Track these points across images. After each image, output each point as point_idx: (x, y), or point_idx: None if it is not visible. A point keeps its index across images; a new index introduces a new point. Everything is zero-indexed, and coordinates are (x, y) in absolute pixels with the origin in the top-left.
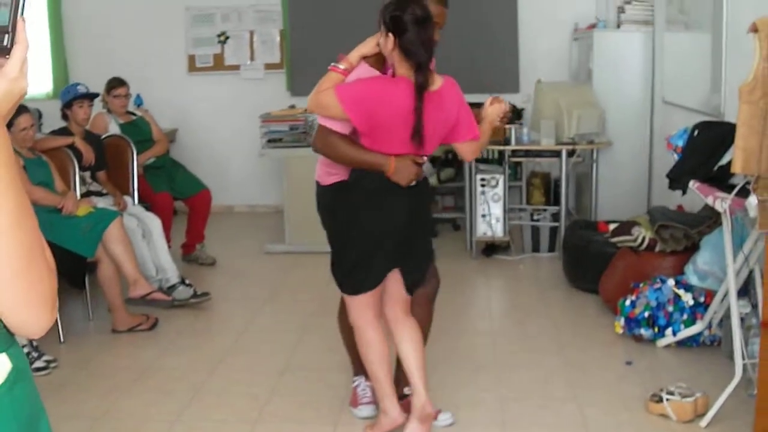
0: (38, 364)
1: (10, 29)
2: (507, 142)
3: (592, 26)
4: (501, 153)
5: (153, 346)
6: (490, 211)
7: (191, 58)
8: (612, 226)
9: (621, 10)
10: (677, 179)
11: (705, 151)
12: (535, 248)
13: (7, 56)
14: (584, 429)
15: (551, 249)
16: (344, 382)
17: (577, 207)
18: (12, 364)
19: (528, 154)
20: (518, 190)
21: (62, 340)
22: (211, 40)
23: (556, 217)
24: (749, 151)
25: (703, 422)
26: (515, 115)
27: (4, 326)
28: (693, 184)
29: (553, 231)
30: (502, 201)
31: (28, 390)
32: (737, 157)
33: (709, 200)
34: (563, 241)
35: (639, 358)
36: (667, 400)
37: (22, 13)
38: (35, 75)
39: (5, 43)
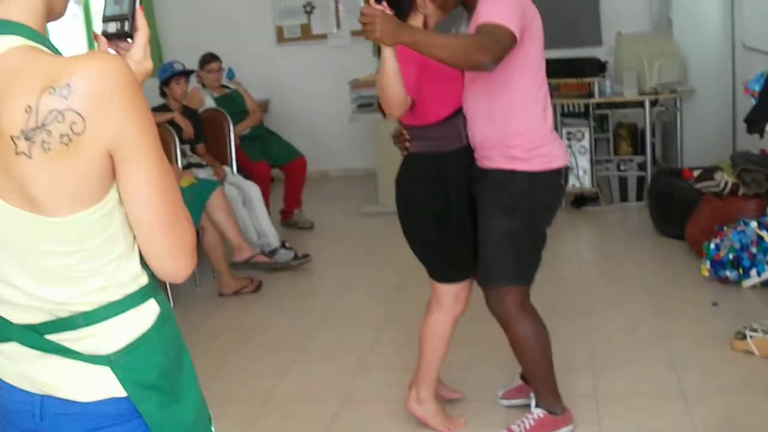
0: None
1: (130, 16)
2: (591, 95)
3: None
4: (586, 106)
5: (258, 307)
6: (578, 163)
7: (279, 30)
8: (696, 173)
9: None
10: (754, 123)
11: None
12: (623, 198)
13: (130, 39)
14: (671, 367)
15: (639, 198)
16: None
17: (664, 155)
18: (160, 308)
19: (612, 105)
20: (605, 141)
21: (172, 305)
22: (297, 11)
23: (642, 166)
24: None
25: None
26: (598, 68)
27: (152, 275)
28: None
29: (641, 180)
30: (589, 153)
31: (173, 329)
32: None
33: None
34: (649, 189)
35: (725, 299)
36: (751, 336)
37: (141, 2)
38: None
39: (126, 28)
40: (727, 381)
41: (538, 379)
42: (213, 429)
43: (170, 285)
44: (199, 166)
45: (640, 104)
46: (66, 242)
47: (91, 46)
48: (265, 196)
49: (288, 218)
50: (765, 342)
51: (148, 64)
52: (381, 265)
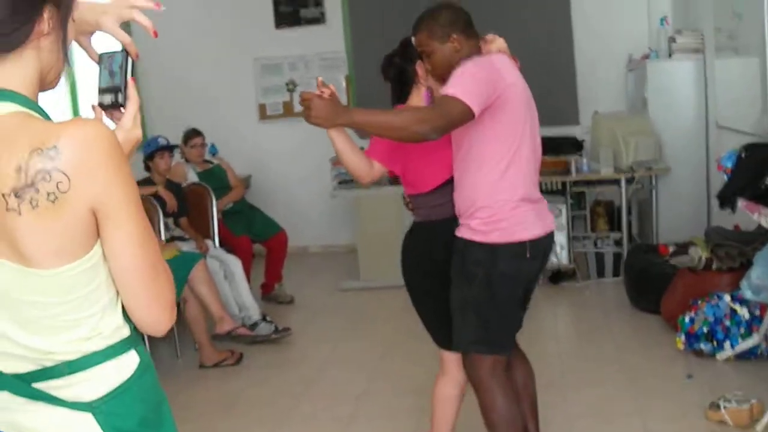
0: None
1: (123, 88)
2: (568, 173)
3: (646, 57)
4: (563, 183)
5: (239, 378)
6: (555, 240)
7: (262, 107)
8: (671, 248)
9: (672, 39)
10: (727, 198)
11: (752, 171)
12: (600, 274)
13: (122, 110)
14: None
15: (615, 274)
16: (422, 405)
17: (640, 232)
18: (140, 359)
19: (589, 183)
20: (583, 218)
21: None
22: (280, 89)
23: (619, 243)
24: None
25: (759, 427)
26: (575, 146)
27: (134, 327)
28: (741, 203)
29: (617, 256)
30: (566, 230)
31: (153, 380)
32: None
33: (755, 216)
34: (625, 265)
35: (699, 371)
36: (725, 407)
37: (132, 74)
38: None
39: (119, 99)
40: None
41: None
42: None
43: (152, 354)
44: (182, 239)
45: (617, 182)
46: (52, 293)
47: (75, 113)
48: (247, 270)
49: (269, 292)
50: (738, 412)
51: (138, 132)
52: (361, 339)
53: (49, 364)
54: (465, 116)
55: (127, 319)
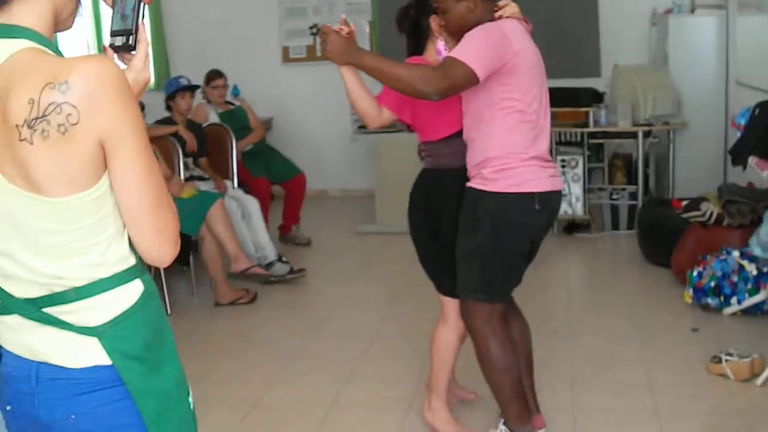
0: None
1: (134, 31)
2: (586, 125)
3: (669, 11)
4: (581, 135)
5: (253, 317)
6: (571, 190)
7: (285, 50)
8: (684, 203)
9: None
10: (738, 155)
11: (764, 128)
12: (615, 226)
13: (133, 52)
14: (648, 389)
15: (630, 227)
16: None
17: (657, 186)
18: (144, 287)
19: (606, 135)
20: (601, 171)
21: (169, 312)
22: (303, 32)
23: (634, 196)
24: None
25: (759, 381)
26: (596, 98)
27: (140, 258)
28: (752, 160)
29: (632, 209)
30: (582, 181)
31: (156, 307)
32: None
33: (765, 174)
34: (639, 218)
35: (705, 325)
36: (726, 360)
37: (142, 18)
38: None
39: (131, 42)
40: (701, 402)
41: (501, 397)
42: (191, 401)
43: (168, 293)
44: (201, 179)
45: (634, 135)
46: (62, 221)
47: (99, 51)
48: (265, 211)
49: (286, 234)
50: (740, 366)
51: (147, 74)
52: (375, 281)
53: (58, 289)
54: (469, 80)
55: (132, 250)
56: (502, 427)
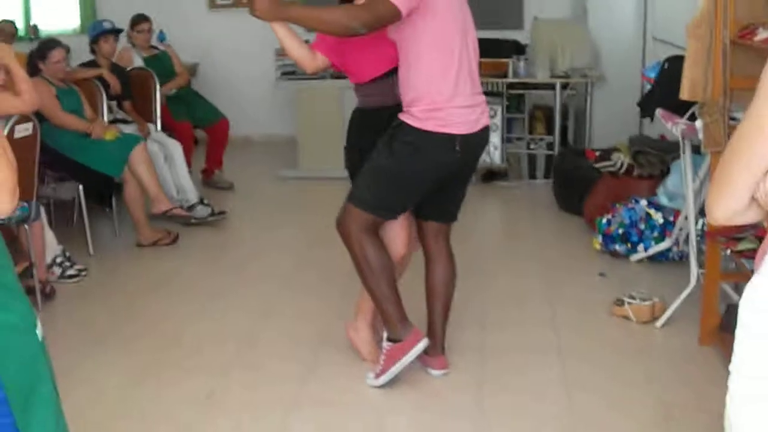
0: (70, 272)
1: None
2: (506, 75)
3: None
4: (501, 85)
5: (174, 258)
6: (490, 140)
7: None
8: (597, 154)
9: None
10: (646, 108)
11: (673, 82)
12: (532, 175)
13: None
14: (551, 325)
15: (546, 176)
16: (347, 282)
17: (576, 138)
18: None
19: (525, 86)
20: (521, 121)
21: (92, 252)
22: None
23: (551, 146)
24: (695, 81)
25: (659, 323)
26: (517, 50)
27: None
28: (658, 112)
29: (549, 159)
30: (501, 131)
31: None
32: (684, 86)
33: (669, 126)
34: (554, 167)
35: (612, 271)
36: (629, 303)
37: None
38: (64, 12)
39: None
40: (602, 341)
41: (377, 301)
42: (38, 332)
43: (91, 234)
44: (125, 122)
45: (552, 86)
46: None
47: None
48: (187, 155)
49: (209, 178)
50: (641, 309)
51: None
52: (294, 225)
53: None
54: (391, 14)
55: None
56: (385, 343)
